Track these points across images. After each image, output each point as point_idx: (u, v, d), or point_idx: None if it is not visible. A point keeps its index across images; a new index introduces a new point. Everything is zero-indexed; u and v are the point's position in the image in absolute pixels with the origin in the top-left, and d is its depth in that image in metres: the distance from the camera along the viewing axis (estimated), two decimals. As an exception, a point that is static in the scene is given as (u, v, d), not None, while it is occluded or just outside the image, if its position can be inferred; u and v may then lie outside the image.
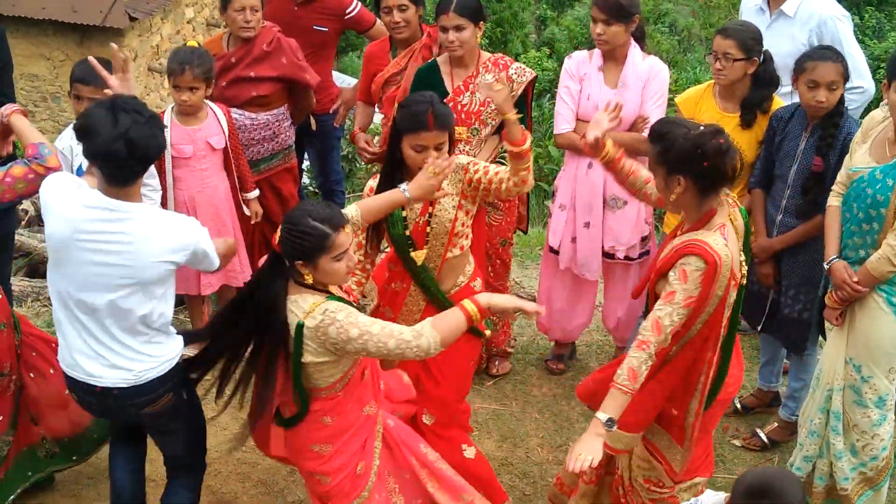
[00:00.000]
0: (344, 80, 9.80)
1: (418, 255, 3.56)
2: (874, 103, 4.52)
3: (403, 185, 3.32)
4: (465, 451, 3.70)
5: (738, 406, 4.63)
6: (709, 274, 2.98)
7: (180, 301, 4.80)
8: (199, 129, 4.45)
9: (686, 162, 2.99)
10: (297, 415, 3.07)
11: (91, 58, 3.73)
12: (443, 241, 3.55)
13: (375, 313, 3.76)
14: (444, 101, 4.15)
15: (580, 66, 4.50)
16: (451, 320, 2.92)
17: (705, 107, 4.32)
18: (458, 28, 4.23)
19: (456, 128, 3.80)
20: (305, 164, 6.09)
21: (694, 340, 3.14)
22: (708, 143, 2.97)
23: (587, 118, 4.44)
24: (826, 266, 3.69)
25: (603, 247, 4.59)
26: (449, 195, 3.47)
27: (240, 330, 3.02)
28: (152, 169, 3.64)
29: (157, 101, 11.01)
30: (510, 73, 4.37)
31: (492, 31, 17.73)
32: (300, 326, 2.88)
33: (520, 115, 3.35)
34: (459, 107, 4.31)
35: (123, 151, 2.87)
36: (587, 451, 2.88)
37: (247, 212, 4.77)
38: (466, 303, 2.94)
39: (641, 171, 3.42)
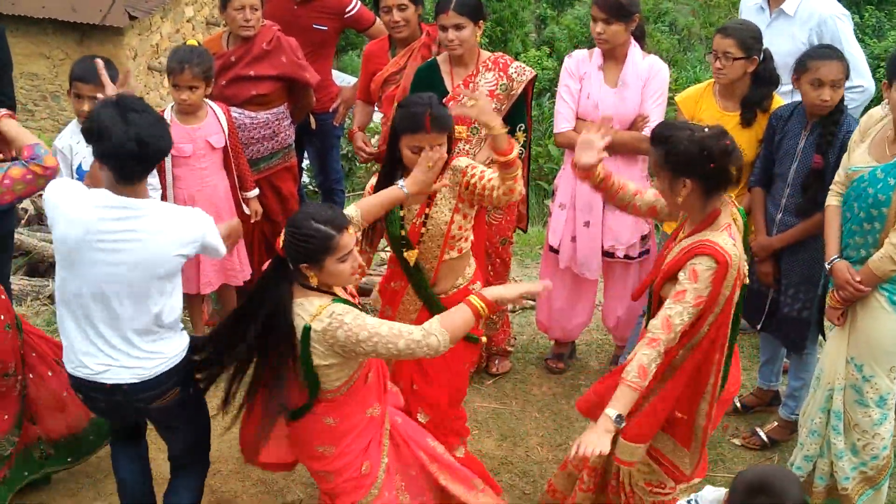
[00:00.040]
0: (344, 79, 9.80)
1: (410, 255, 3.57)
2: (874, 102, 4.52)
3: (401, 182, 3.33)
4: (455, 451, 3.72)
5: (738, 405, 4.63)
6: (720, 274, 3.00)
7: (180, 300, 4.80)
8: (199, 128, 4.45)
9: (692, 164, 3.00)
10: (304, 406, 3.07)
11: (99, 61, 3.72)
12: (438, 243, 3.55)
13: (381, 314, 3.79)
14: (445, 99, 4.17)
15: (580, 65, 4.49)
16: (459, 317, 2.93)
17: (705, 106, 4.32)
18: (458, 27, 4.23)
19: (456, 127, 3.80)
20: (305, 162, 6.08)
21: (702, 343, 3.14)
22: (714, 145, 2.98)
23: (587, 117, 4.45)
24: (827, 266, 3.68)
25: (603, 246, 4.59)
26: (447, 186, 3.47)
27: (247, 338, 3.01)
28: (152, 167, 3.66)
29: (156, 99, 11.02)
30: (510, 72, 4.37)
31: (492, 30, 17.74)
32: (307, 329, 2.88)
33: (507, 129, 3.33)
34: (459, 106, 4.31)
35: (136, 151, 2.91)
36: (594, 443, 2.87)
37: (246, 211, 4.77)
38: (473, 298, 2.95)
39: (629, 185, 3.43)
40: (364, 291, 4.42)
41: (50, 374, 3.74)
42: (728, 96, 4.26)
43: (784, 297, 4.17)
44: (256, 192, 4.81)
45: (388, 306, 3.77)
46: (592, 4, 4.34)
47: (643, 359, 2.97)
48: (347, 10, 5.39)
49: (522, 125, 4.45)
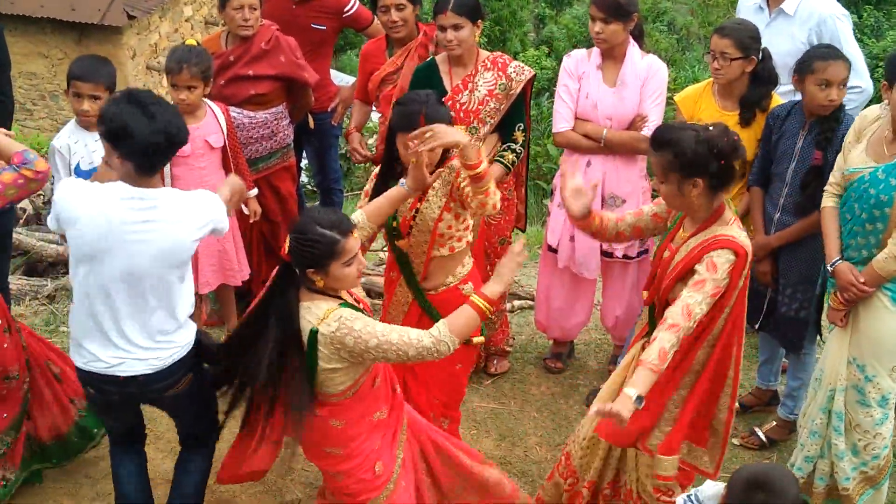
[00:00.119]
0: (342, 79, 9.80)
1: (401, 245, 3.61)
2: (872, 102, 4.52)
3: (402, 181, 3.35)
4: None
5: (737, 405, 4.62)
6: (739, 266, 3.04)
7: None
8: (198, 128, 4.44)
9: (702, 163, 3.01)
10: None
11: None
12: (426, 238, 3.56)
13: (384, 314, 3.82)
14: (443, 99, 4.17)
15: (579, 64, 4.49)
16: (465, 319, 2.94)
17: (704, 105, 4.32)
18: (456, 27, 4.23)
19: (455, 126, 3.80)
20: (304, 162, 6.08)
21: (721, 336, 3.16)
22: (722, 142, 3.01)
23: (586, 117, 4.46)
24: (830, 268, 3.67)
25: (601, 245, 4.59)
26: (437, 180, 3.48)
27: (259, 345, 3.01)
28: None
29: (155, 99, 11.00)
30: (509, 71, 4.37)
31: (490, 30, 17.75)
32: (314, 333, 2.89)
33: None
34: (458, 105, 4.31)
35: (164, 143, 2.99)
36: (616, 408, 2.84)
37: (245, 210, 4.76)
38: (476, 299, 2.96)
39: (609, 216, 3.45)
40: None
41: (38, 372, 3.77)
42: (727, 96, 4.26)
43: (782, 297, 4.17)
44: (255, 191, 4.80)
45: (385, 294, 3.81)
46: (591, 4, 4.34)
47: (664, 343, 2.95)
48: (346, 9, 5.39)
49: (521, 125, 4.45)
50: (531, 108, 4.66)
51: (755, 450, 4.43)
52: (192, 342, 3.27)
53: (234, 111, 4.71)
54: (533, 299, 5.46)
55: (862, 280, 3.55)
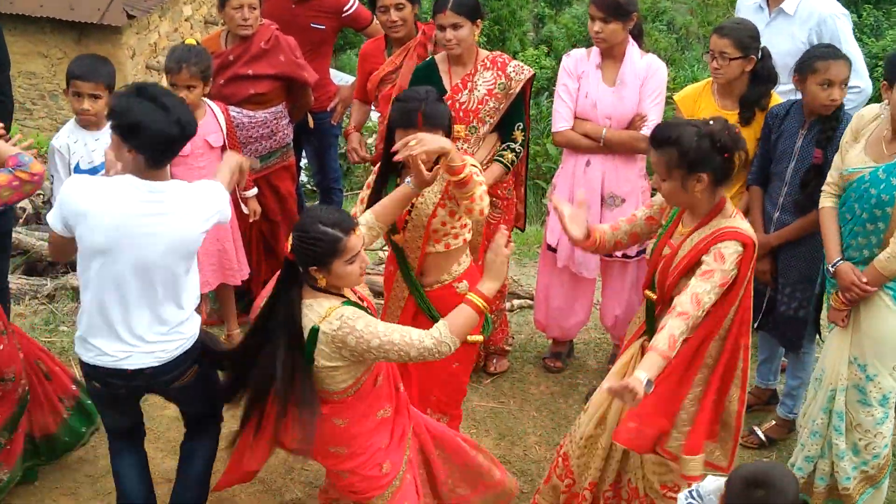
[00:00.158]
0: (342, 78, 9.80)
1: (397, 240, 3.63)
2: (872, 101, 4.52)
3: (408, 179, 3.36)
4: None
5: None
6: (747, 256, 3.06)
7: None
8: (197, 127, 4.43)
9: (707, 158, 3.03)
10: None
11: None
12: (420, 234, 3.56)
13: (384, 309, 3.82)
14: (443, 98, 4.16)
15: (578, 64, 4.50)
16: (463, 319, 2.94)
17: (704, 104, 4.32)
18: (456, 26, 4.23)
19: (454, 126, 3.81)
20: (303, 161, 6.08)
21: (731, 330, 3.17)
22: (723, 136, 3.03)
23: (585, 116, 4.46)
24: (831, 269, 3.66)
25: (600, 245, 4.59)
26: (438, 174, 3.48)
27: (268, 348, 3.02)
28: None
29: (154, 98, 11.00)
30: (508, 70, 4.37)
31: (490, 29, 17.74)
32: (315, 330, 2.89)
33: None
34: (458, 105, 4.31)
35: (178, 135, 3.04)
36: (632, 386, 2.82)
37: (245, 210, 4.76)
38: (472, 297, 2.96)
39: (605, 229, 3.46)
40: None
41: (30, 370, 3.79)
42: (726, 95, 4.26)
43: (781, 296, 4.17)
44: (255, 191, 4.80)
45: (384, 289, 3.83)
46: (590, 3, 4.34)
47: (675, 330, 2.95)
48: (345, 9, 5.39)
49: (520, 124, 4.45)
50: (530, 107, 4.67)
51: (754, 449, 4.43)
52: (198, 333, 3.31)
53: (234, 110, 4.72)
54: (532, 298, 5.46)
55: (864, 280, 3.54)
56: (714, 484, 2.84)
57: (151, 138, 2.98)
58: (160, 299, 3.13)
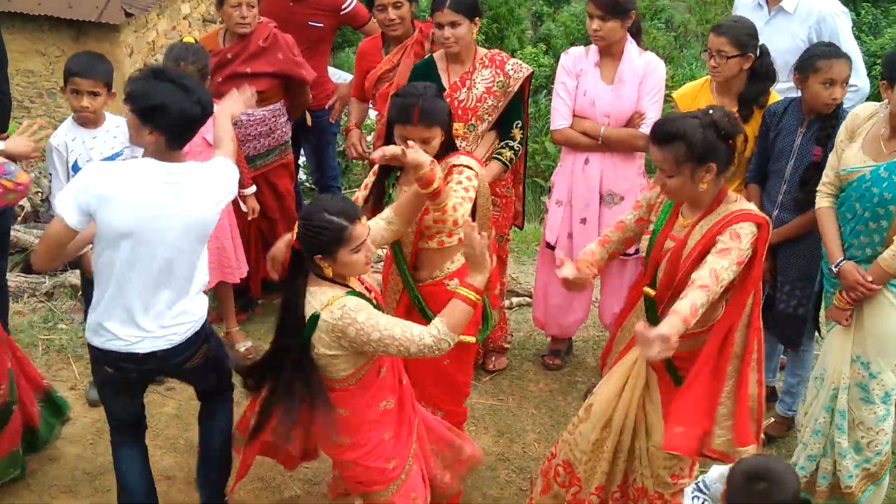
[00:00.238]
0: (340, 76, 9.79)
1: None
2: (870, 99, 4.52)
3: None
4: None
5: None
6: (762, 236, 3.06)
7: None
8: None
9: (714, 147, 3.03)
10: None
11: None
12: (413, 228, 3.56)
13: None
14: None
15: (576, 62, 4.50)
16: (458, 314, 2.94)
17: (703, 102, 4.30)
18: (454, 24, 4.23)
19: (453, 123, 3.80)
20: (302, 159, 6.08)
21: (752, 315, 3.18)
22: (725, 122, 3.04)
23: (584, 114, 4.46)
24: (834, 269, 3.65)
25: (599, 242, 4.59)
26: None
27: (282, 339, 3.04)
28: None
29: (153, 96, 10.98)
30: (506, 68, 4.37)
31: (488, 27, 17.73)
32: (315, 316, 2.90)
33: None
34: (456, 103, 4.31)
35: (200, 113, 3.11)
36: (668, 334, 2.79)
37: (244, 208, 4.76)
38: (462, 290, 2.94)
39: (596, 249, 3.45)
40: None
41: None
42: (725, 93, 4.26)
43: (780, 294, 4.17)
44: (254, 189, 4.80)
45: (382, 281, 3.86)
46: (588, 1, 4.34)
47: (696, 300, 2.92)
48: (343, 7, 5.39)
49: (519, 122, 4.45)
50: (529, 105, 4.67)
51: (753, 446, 4.43)
52: (206, 314, 3.38)
53: (233, 108, 4.71)
54: (531, 296, 5.46)
55: (869, 279, 3.54)
56: (718, 472, 2.85)
57: (174, 118, 3.04)
58: (177, 282, 3.19)
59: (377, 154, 3.17)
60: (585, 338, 5.37)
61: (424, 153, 3.22)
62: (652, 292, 3.32)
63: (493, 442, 4.45)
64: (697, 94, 4.37)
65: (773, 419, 4.46)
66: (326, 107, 5.57)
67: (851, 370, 3.68)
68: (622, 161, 4.48)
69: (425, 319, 3.31)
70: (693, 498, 2.86)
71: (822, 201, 3.75)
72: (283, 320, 2.99)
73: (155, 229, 3.07)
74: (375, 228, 3.36)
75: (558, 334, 5.04)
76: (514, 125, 4.43)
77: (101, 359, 3.29)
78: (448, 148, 3.54)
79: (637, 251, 4.61)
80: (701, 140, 3.01)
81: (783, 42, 4.57)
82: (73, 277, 5.50)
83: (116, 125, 4.07)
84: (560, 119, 4.50)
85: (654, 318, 3.32)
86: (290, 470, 3.79)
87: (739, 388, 3.21)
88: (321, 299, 2.91)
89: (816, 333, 4.31)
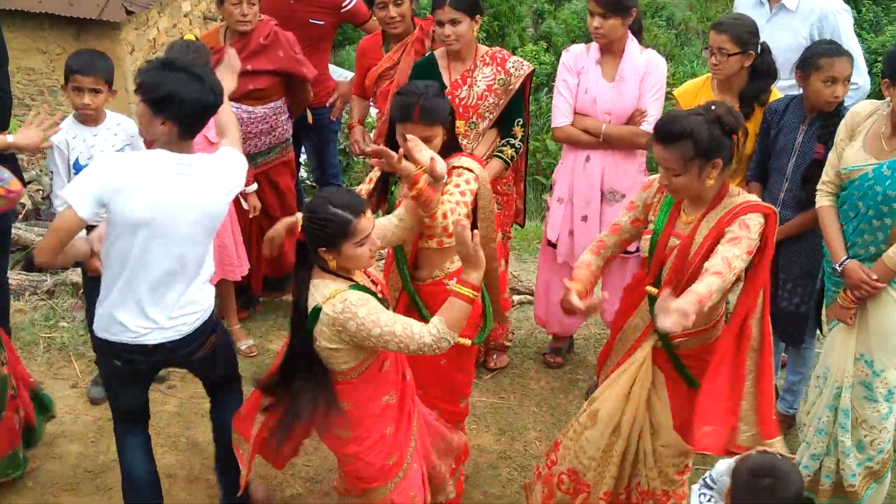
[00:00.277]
0: (341, 74, 9.79)
1: None
2: (870, 97, 4.51)
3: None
4: None
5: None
6: (770, 226, 3.07)
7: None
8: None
9: (720, 143, 3.04)
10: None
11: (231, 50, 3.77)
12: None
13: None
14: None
15: (578, 59, 4.49)
16: (457, 312, 2.93)
17: (704, 99, 4.26)
18: (454, 22, 4.22)
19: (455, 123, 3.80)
20: (303, 157, 6.08)
21: (764, 306, 3.18)
22: (728, 117, 3.05)
23: (585, 112, 4.45)
24: (838, 268, 3.64)
25: (600, 240, 4.58)
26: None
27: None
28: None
29: (153, 94, 10.98)
30: (507, 66, 4.37)
31: (489, 25, 17.70)
32: (317, 309, 2.90)
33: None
34: (457, 100, 4.31)
35: (213, 101, 3.12)
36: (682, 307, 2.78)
37: (245, 206, 4.76)
38: (457, 288, 2.92)
39: (592, 259, 3.45)
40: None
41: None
42: (726, 90, 4.25)
43: (782, 292, 4.16)
44: (255, 187, 4.80)
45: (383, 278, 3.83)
46: (589, -1, 4.34)
47: (711, 285, 2.90)
48: (344, 4, 5.39)
49: (520, 120, 4.45)
50: (530, 103, 4.67)
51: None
52: (213, 304, 3.39)
53: (233, 106, 4.69)
54: (532, 294, 5.46)
55: (874, 277, 3.53)
56: (725, 464, 2.86)
57: (188, 108, 3.05)
58: (187, 273, 3.20)
59: (372, 150, 3.19)
60: (587, 336, 5.36)
61: (426, 148, 3.23)
62: (655, 291, 3.28)
63: (494, 440, 4.45)
64: (698, 92, 4.37)
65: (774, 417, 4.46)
66: (327, 104, 5.57)
67: (855, 368, 3.67)
68: (623, 159, 4.48)
69: (423, 320, 3.31)
70: (700, 495, 2.87)
71: (823, 200, 3.74)
72: (293, 314, 3.01)
73: (168, 219, 3.08)
74: (387, 225, 3.36)
75: (559, 332, 5.04)
76: (516, 123, 4.43)
77: (110, 351, 3.29)
78: (451, 148, 3.53)
79: (638, 249, 4.62)
80: (707, 137, 3.01)
81: (784, 39, 4.56)
82: (75, 275, 5.50)
83: (117, 123, 4.08)
84: (561, 117, 4.50)
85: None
86: (280, 469, 3.78)
87: (760, 381, 3.21)
88: (324, 292, 2.91)
89: (818, 331, 4.30)
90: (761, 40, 4.16)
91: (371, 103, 5.20)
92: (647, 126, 4.32)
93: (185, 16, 11.82)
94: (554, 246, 4.71)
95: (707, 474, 2.90)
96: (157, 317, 3.20)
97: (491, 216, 3.71)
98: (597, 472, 3.46)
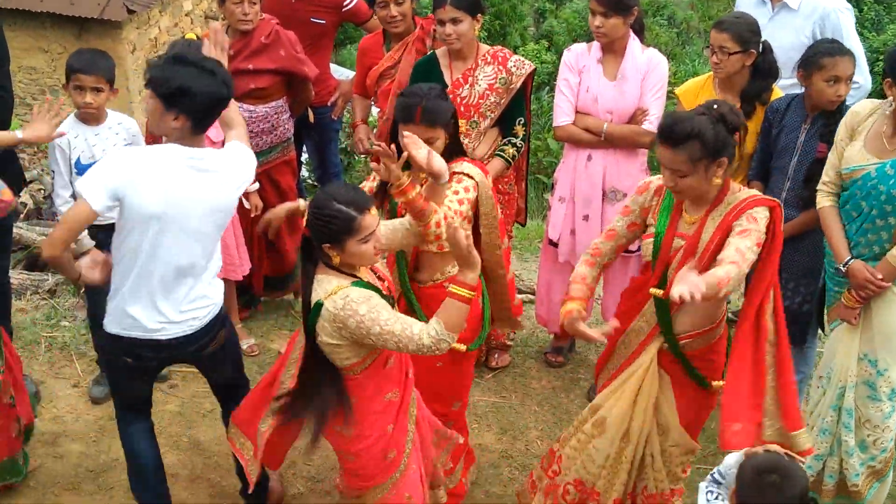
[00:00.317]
0: (342, 73, 9.78)
1: None
2: (871, 96, 4.51)
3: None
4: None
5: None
6: (776, 220, 3.08)
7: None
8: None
9: (725, 142, 3.04)
10: None
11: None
12: None
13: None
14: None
15: (579, 58, 4.49)
16: (454, 313, 2.91)
17: (705, 98, 4.27)
18: (455, 21, 4.22)
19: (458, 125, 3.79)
20: (304, 156, 6.08)
21: (776, 302, 3.19)
22: (731, 116, 3.05)
23: (586, 111, 4.45)
24: (843, 268, 3.63)
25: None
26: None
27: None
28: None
29: (155, 93, 10.98)
30: (509, 65, 4.36)
31: (490, 24, 17.70)
32: (318, 305, 2.90)
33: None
34: (459, 99, 4.31)
35: (226, 94, 3.14)
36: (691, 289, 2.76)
37: (246, 205, 4.76)
38: (454, 288, 2.90)
39: (588, 271, 3.43)
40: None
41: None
42: (727, 89, 4.25)
43: (784, 291, 4.14)
44: (256, 186, 4.80)
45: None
46: (591, -2, 4.34)
47: (730, 272, 2.88)
48: (345, 3, 5.39)
49: (521, 119, 4.45)
50: (531, 102, 4.66)
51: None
52: (222, 298, 3.40)
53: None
54: (534, 293, 5.46)
55: (879, 276, 3.53)
56: (734, 458, 2.86)
57: (201, 101, 3.05)
58: (198, 267, 3.21)
59: (375, 149, 3.19)
60: (588, 335, 5.35)
61: (424, 145, 3.22)
62: (660, 293, 3.25)
63: (496, 439, 4.45)
64: (700, 91, 4.37)
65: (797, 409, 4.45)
66: (329, 103, 5.57)
67: (859, 368, 3.67)
68: (625, 158, 4.47)
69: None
70: (707, 492, 2.87)
71: (824, 200, 3.73)
72: (302, 310, 3.01)
73: (180, 213, 3.09)
74: (398, 228, 3.35)
75: (561, 332, 5.03)
76: (517, 122, 4.42)
77: (120, 347, 3.28)
78: (454, 152, 3.51)
79: (639, 248, 4.61)
80: (713, 136, 3.00)
81: (786, 38, 4.56)
82: (76, 275, 5.49)
83: (119, 122, 4.08)
84: (563, 115, 4.50)
85: (666, 317, 3.29)
86: (274, 470, 3.78)
87: (780, 376, 3.21)
88: (326, 288, 2.91)
89: (819, 330, 4.30)
90: (763, 39, 4.16)
91: (372, 102, 5.20)
92: (649, 125, 4.32)
93: (186, 15, 11.81)
94: (555, 245, 4.71)
95: (715, 470, 2.91)
96: (168, 311, 3.21)
97: (494, 222, 3.65)
98: (607, 479, 3.44)
